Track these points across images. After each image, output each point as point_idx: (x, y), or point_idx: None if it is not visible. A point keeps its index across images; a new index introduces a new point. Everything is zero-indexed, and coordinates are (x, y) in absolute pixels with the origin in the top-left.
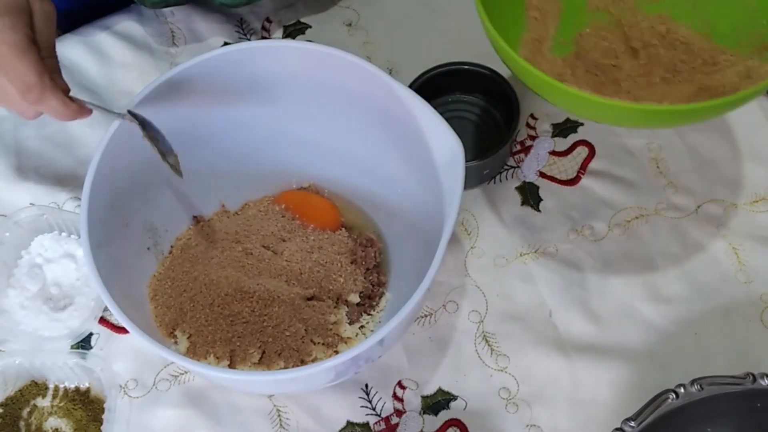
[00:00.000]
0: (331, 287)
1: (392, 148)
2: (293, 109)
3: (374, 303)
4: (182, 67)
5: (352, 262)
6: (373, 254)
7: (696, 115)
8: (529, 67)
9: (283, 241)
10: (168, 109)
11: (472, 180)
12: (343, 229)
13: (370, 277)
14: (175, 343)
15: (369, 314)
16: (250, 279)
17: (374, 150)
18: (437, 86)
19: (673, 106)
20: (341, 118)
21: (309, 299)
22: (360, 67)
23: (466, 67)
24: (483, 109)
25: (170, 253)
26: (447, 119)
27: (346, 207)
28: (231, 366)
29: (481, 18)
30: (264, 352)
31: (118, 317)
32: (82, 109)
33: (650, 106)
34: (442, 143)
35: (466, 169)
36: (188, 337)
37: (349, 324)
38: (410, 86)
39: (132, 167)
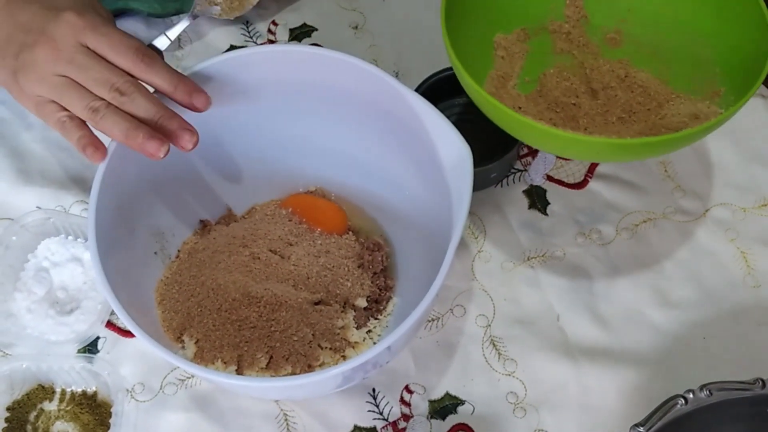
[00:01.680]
0: (338, 292)
1: (399, 151)
2: (300, 112)
3: (381, 307)
4: (189, 71)
5: (359, 267)
6: (380, 258)
7: (641, 150)
8: (490, 99)
9: (290, 245)
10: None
11: (479, 183)
12: (351, 233)
13: (378, 282)
14: (183, 347)
15: (376, 319)
16: (258, 283)
17: (381, 154)
18: (444, 90)
19: (619, 140)
20: (348, 122)
21: (316, 304)
22: (366, 71)
23: None
24: None
25: (177, 257)
26: (454, 123)
27: (353, 211)
28: (238, 371)
29: (448, 54)
30: (271, 357)
31: (125, 321)
32: (184, 77)
33: (598, 139)
34: (450, 147)
35: (474, 172)
36: (195, 342)
37: (357, 328)
38: (417, 90)
39: (139, 171)
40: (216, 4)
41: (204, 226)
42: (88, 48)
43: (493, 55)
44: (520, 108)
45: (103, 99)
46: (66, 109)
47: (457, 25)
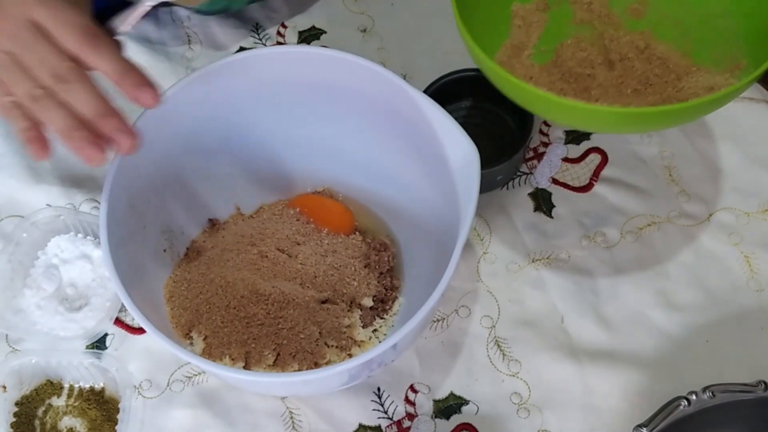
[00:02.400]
0: (344, 291)
1: (407, 152)
2: (308, 113)
3: (387, 307)
4: (199, 72)
5: (365, 266)
6: (386, 258)
7: (645, 120)
8: (496, 67)
9: (298, 244)
10: (184, 112)
11: (485, 186)
12: (357, 233)
13: (384, 282)
14: (191, 344)
15: (382, 318)
16: (266, 281)
17: (389, 155)
18: (451, 92)
19: (620, 109)
20: (356, 123)
21: (323, 302)
22: (375, 72)
23: (480, 73)
24: (496, 116)
25: (186, 255)
26: (461, 125)
27: (360, 211)
28: (246, 367)
29: (456, 21)
30: (278, 355)
31: (136, 317)
32: (135, 68)
33: (601, 107)
34: (457, 148)
35: (480, 174)
36: (204, 339)
37: (363, 327)
38: (425, 92)
39: (149, 170)
40: None
41: (213, 224)
42: (37, 24)
43: (510, 24)
44: (531, 78)
45: (46, 85)
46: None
47: None
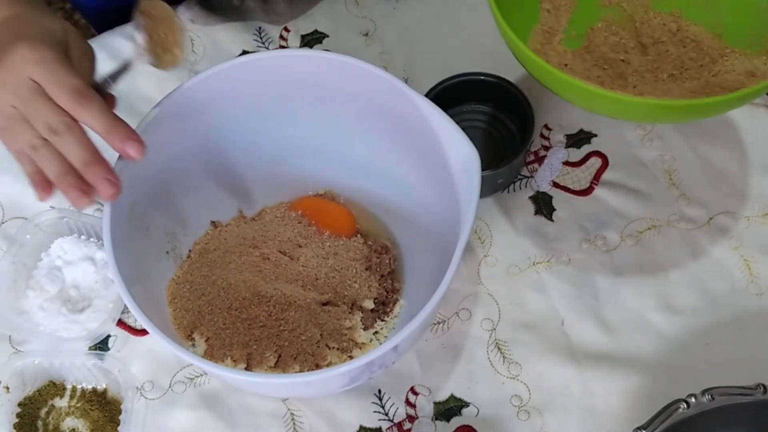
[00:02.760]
0: (346, 293)
1: (408, 156)
2: (311, 117)
3: (388, 309)
4: (202, 75)
5: (367, 269)
6: (387, 261)
7: (695, 111)
8: (535, 57)
9: (300, 246)
10: (187, 116)
11: (486, 189)
12: (359, 235)
13: (385, 284)
14: (193, 345)
15: (383, 320)
16: (267, 283)
17: (390, 158)
18: (452, 96)
19: (669, 101)
20: (358, 126)
21: (324, 304)
22: (377, 75)
23: (482, 77)
24: (498, 119)
25: (188, 257)
26: (462, 129)
27: (361, 214)
28: (247, 369)
29: (491, 8)
30: (280, 356)
31: (138, 318)
32: (122, 122)
33: (646, 100)
34: (458, 152)
35: (481, 178)
36: (206, 340)
37: (364, 329)
38: (426, 95)
39: (152, 172)
40: (151, 55)
41: (215, 227)
42: (36, 82)
43: (538, 8)
44: (566, 65)
45: (43, 137)
46: None
47: None
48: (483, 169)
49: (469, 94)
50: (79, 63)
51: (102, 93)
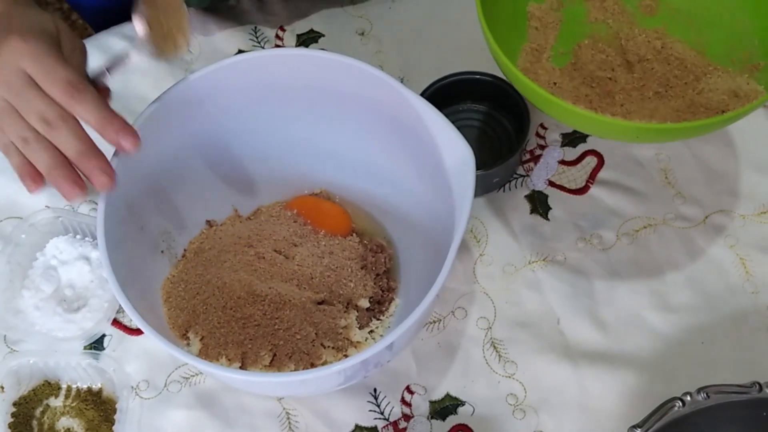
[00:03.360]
0: (341, 292)
1: (403, 155)
2: (306, 116)
3: (384, 308)
4: (198, 74)
5: (362, 268)
6: (383, 260)
7: (680, 133)
8: (524, 79)
9: (295, 245)
10: (182, 114)
11: (481, 188)
12: (354, 234)
13: (380, 283)
14: (188, 344)
15: (378, 319)
16: (262, 282)
17: (385, 157)
18: (448, 95)
19: (659, 125)
20: (353, 125)
21: (320, 303)
22: (373, 75)
23: (477, 76)
24: (493, 118)
25: (183, 256)
26: (458, 128)
27: (357, 213)
28: (242, 368)
29: (483, 30)
30: (275, 355)
31: (133, 318)
32: (116, 115)
33: (637, 124)
34: (453, 151)
35: (476, 177)
36: (201, 339)
37: (359, 328)
38: (421, 95)
39: (147, 171)
40: (152, 45)
41: (210, 225)
42: (27, 74)
43: (527, 26)
44: (555, 84)
45: (35, 129)
46: None
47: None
48: (478, 168)
49: (465, 94)
50: (71, 57)
51: (97, 86)
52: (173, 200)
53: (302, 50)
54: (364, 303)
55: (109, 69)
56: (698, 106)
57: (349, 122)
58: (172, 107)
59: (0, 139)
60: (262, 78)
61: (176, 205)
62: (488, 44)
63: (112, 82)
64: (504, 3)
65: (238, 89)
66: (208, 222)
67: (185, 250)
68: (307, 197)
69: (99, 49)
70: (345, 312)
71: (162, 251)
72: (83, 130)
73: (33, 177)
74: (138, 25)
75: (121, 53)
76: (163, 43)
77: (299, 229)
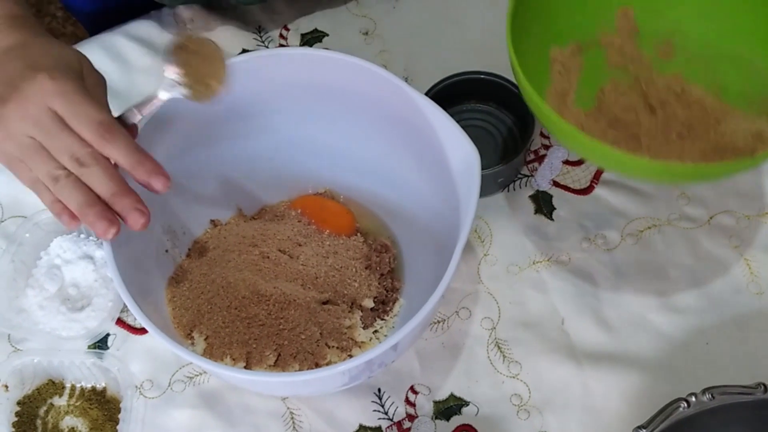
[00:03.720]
0: (345, 292)
1: (408, 155)
2: (310, 115)
3: (388, 308)
4: None
5: (366, 268)
6: (387, 260)
7: (714, 173)
8: (557, 119)
9: (299, 245)
10: (187, 114)
11: (486, 188)
12: (359, 234)
13: (385, 283)
14: (192, 344)
15: (383, 319)
16: (267, 282)
17: (390, 157)
18: (453, 95)
19: (694, 165)
20: (358, 125)
21: (324, 303)
22: (377, 74)
23: (482, 76)
24: (498, 118)
25: (188, 255)
26: (462, 128)
27: (361, 213)
28: (247, 368)
29: (514, 72)
30: (279, 355)
31: (137, 317)
32: (147, 156)
33: (664, 164)
34: (458, 151)
35: (481, 176)
36: (205, 339)
37: (364, 328)
38: (425, 94)
39: None
40: (184, 87)
41: (215, 225)
42: (56, 113)
43: (550, 70)
44: (582, 127)
45: (65, 168)
46: None
47: (517, 42)
48: (483, 168)
49: (469, 93)
50: (94, 91)
51: (125, 124)
52: (178, 200)
53: (307, 49)
54: (369, 303)
55: (138, 108)
56: (724, 149)
57: (353, 121)
58: (175, 107)
59: (27, 176)
60: (265, 77)
61: (181, 205)
62: (520, 85)
63: (111, 79)
64: (529, 47)
65: (242, 89)
66: (212, 221)
67: (190, 249)
68: (312, 197)
69: (103, 50)
70: (349, 312)
71: (166, 251)
72: (115, 169)
73: (70, 214)
74: (168, 68)
75: (152, 93)
76: (195, 87)
77: (303, 228)
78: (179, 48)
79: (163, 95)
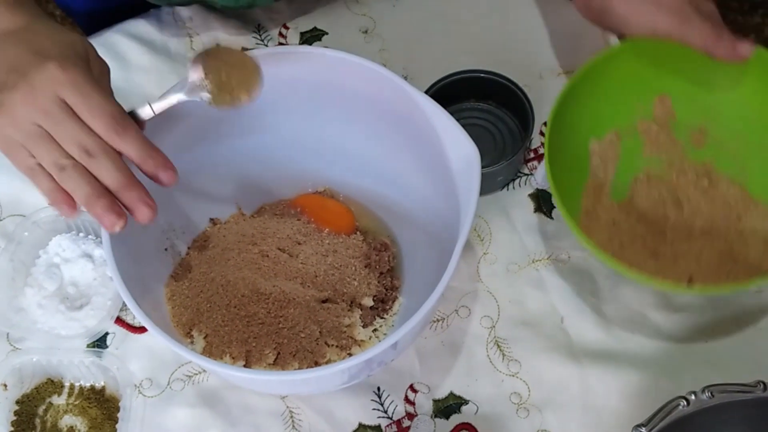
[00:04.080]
0: (345, 290)
1: (408, 153)
2: (310, 113)
3: (388, 307)
4: None
5: (366, 266)
6: (387, 258)
7: (724, 292)
8: (587, 240)
9: (299, 244)
10: (187, 112)
11: (485, 186)
12: (358, 233)
13: (384, 281)
14: (192, 342)
15: (382, 318)
16: (266, 281)
17: (390, 155)
18: (452, 93)
19: (703, 287)
20: (357, 123)
21: (324, 302)
22: (377, 72)
23: (482, 74)
24: (497, 117)
25: (188, 254)
26: (462, 126)
27: (360, 211)
28: (246, 366)
29: (553, 194)
30: (279, 353)
31: (137, 315)
32: (156, 150)
33: (689, 289)
34: (458, 149)
35: (481, 175)
36: (204, 337)
37: (363, 327)
38: (425, 93)
39: None
40: (207, 92)
41: (214, 224)
42: (65, 102)
43: (589, 162)
44: (614, 223)
45: (72, 157)
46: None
47: (557, 136)
48: (483, 166)
49: (469, 92)
50: (100, 80)
51: (134, 117)
52: (177, 198)
53: (306, 48)
54: (368, 301)
55: (152, 104)
56: (737, 255)
57: (353, 120)
58: (175, 106)
59: (24, 162)
60: (265, 76)
61: (180, 203)
62: (557, 205)
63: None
64: (567, 144)
65: None
66: (212, 220)
67: (189, 248)
68: (311, 195)
69: (104, 48)
70: (349, 310)
71: (166, 249)
72: (123, 162)
73: (69, 203)
74: (192, 72)
75: (169, 93)
76: (218, 94)
77: (303, 227)
78: (209, 55)
79: (183, 97)
